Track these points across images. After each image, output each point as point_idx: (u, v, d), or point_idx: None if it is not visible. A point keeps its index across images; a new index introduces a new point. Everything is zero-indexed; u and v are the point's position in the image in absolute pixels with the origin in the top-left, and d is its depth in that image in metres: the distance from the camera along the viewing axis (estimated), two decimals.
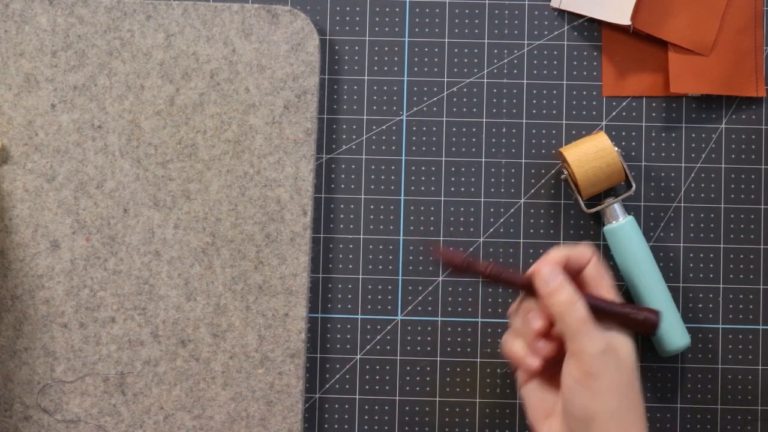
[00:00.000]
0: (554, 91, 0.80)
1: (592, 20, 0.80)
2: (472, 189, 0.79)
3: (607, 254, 0.79)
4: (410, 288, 0.79)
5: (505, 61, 0.80)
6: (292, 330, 0.77)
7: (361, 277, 0.79)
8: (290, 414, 0.77)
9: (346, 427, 0.78)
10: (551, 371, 0.70)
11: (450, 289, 0.79)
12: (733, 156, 0.79)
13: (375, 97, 0.80)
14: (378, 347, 0.79)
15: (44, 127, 0.78)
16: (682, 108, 0.80)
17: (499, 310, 0.79)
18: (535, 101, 0.80)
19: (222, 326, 0.77)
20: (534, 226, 0.79)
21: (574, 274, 0.70)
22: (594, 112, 0.80)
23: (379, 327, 0.79)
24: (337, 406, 0.78)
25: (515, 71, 0.80)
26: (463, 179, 0.79)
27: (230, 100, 0.78)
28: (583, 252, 0.70)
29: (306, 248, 0.77)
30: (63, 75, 0.78)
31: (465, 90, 0.80)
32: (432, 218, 0.79)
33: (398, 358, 0.79)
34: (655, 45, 0.80)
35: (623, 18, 0.79)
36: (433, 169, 0.79)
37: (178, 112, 0.78)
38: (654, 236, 0.79)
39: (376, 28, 0.80)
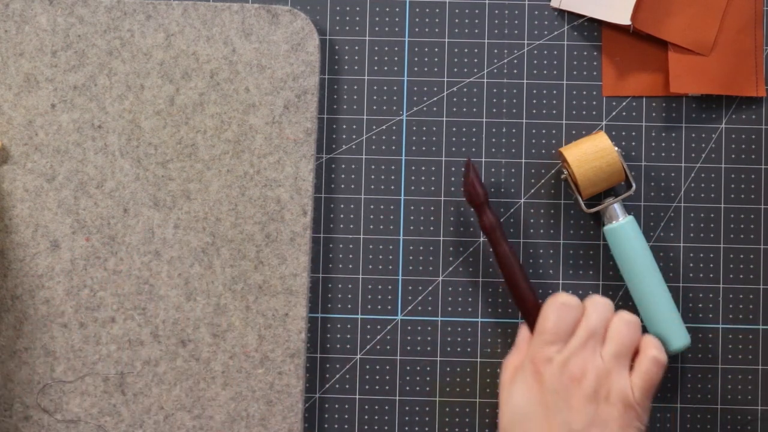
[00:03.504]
0: (554, 91, 0.80)
1: (592, 20, 0.80)
2: None
3: (607, 254, 0.79)
4: (410, 288, 0.79)
5: (505, 61, 0.80)
6: (292, 330, 0.77)
7: (361, 277, 0.79)
8: (290, 414, 0.77)
9: (346, 427, 0.78)
10: None
11: (450, 289, 0.79)
12: (733, 156, 0.79)
13: (375, 97, 0.80)
14: (378, 347, 0.79)
15: (44, 127, 0.78)
16: (682, 108, 0.80)
17: (499, 310, 0.79)
18: (535, 101, 0.80)
19: (222, 326, 0.77)
20: (534, 226, 0.79)
21: None
22: (594, 112, 0.80)
23: (379, 327, 0.79)
24: (337, 406, 0.78)
25: (515, 71, 0.80)
26: (463, 179, 0.79)
27: (230, 100, 0.78)
28: None
29: (306, 248, 0.77)
30: (63, 75, 0.78)
31: (465, 90, 0.80)
32: (432, 218, 0.79)
33: (398, 358, 0.79)
34: (655, 45, 0.80)
35: (623, 18, 0.79)
36: (433, 169, 0.79)
37: (178, 112, 0.78)
38: (654, 236, 0.79)
39: (376, 28, 0.80)
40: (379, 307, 0.79)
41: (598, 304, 0.72)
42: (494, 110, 0.80)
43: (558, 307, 0.71)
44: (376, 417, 0.78)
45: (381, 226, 0.79)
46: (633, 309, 0.78)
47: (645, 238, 0.77)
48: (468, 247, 0.79)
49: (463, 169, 0.78)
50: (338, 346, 0.79)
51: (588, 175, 0.76)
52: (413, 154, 0.80)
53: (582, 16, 0.80)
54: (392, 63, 0.80)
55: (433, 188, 0.79)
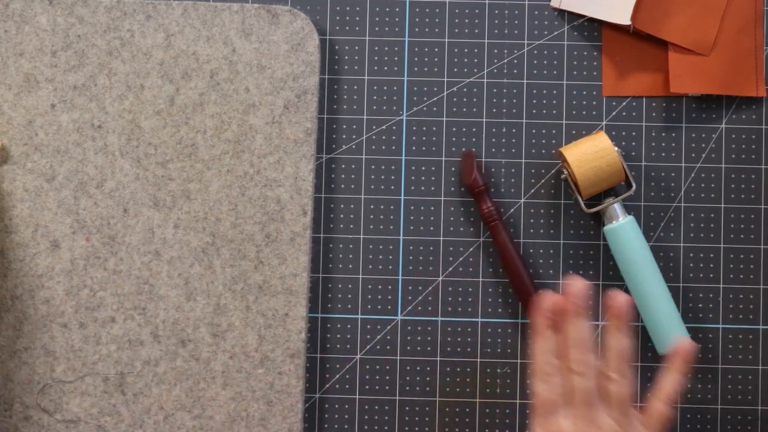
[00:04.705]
0: (554, 91, 0.80)
1: (592, 20, 0.80)
2: None
3: (607, 254, 0.79)
4: (410, 288, 0.79)
5: (505, 61, 0.80)
6: (292, 330, 0.77)
7: (361, 277, 0.79)
8: (290, 414, 0.77)
9: (346, 427, 0.78)
10: None
11: (450, 289, 0.79)
12: (733, 156, 0.79)
13: (375, 97, 0.80)
14: (378, 347, 0.79)
15: (44, 127, 0.78)
16: (682, 108, 0.80)
17: (499, 310, 0.79)
18: (535, 101, 0.80)
19: (222, 326, 0.77)
20: (534, 226, 0.79)
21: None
22: (594, 112, 0.80)
23: (379, 327, 0.79)
24: (337, 406, 0.78)
25: (515, 71, 0.80)
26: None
27: (230, 100, 0.78)
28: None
29: (306, 248, 0.77)
30: (63, 75, 0.78)
31: (465, 90, 0.80)
32: (432, 218, 0.79)
33: (398, 358, 0.79)
34: (655, 45, 0.80)
35: (623, 18, 0.79)
36: (433, 169, 0.80)
37: (178, 112, 0.78)
38: (654, 236, 0.79)
39: (376, 28, 0.80)
40: (379, 307, 0.79)
41: (581, 348, 0.66)
42: (494, 110, 0.80)
43: (542, 378, 0.66)
44: (376, 417, 0.78)
45: (381, 226, 0.79)
46: (633, 309, 0.78)
47: (645, 238, 0.77)
48: (468, 247, 0.79)
49: (460, 159, 0.78)
50: (338, 346, 0.79)
51: (588, 175, 0.76)
52: (413, 154, 0.80)
53: (582, 16, 0.80)
54: (392, 63, 0.80)
55: (433, 188, 0.79)
